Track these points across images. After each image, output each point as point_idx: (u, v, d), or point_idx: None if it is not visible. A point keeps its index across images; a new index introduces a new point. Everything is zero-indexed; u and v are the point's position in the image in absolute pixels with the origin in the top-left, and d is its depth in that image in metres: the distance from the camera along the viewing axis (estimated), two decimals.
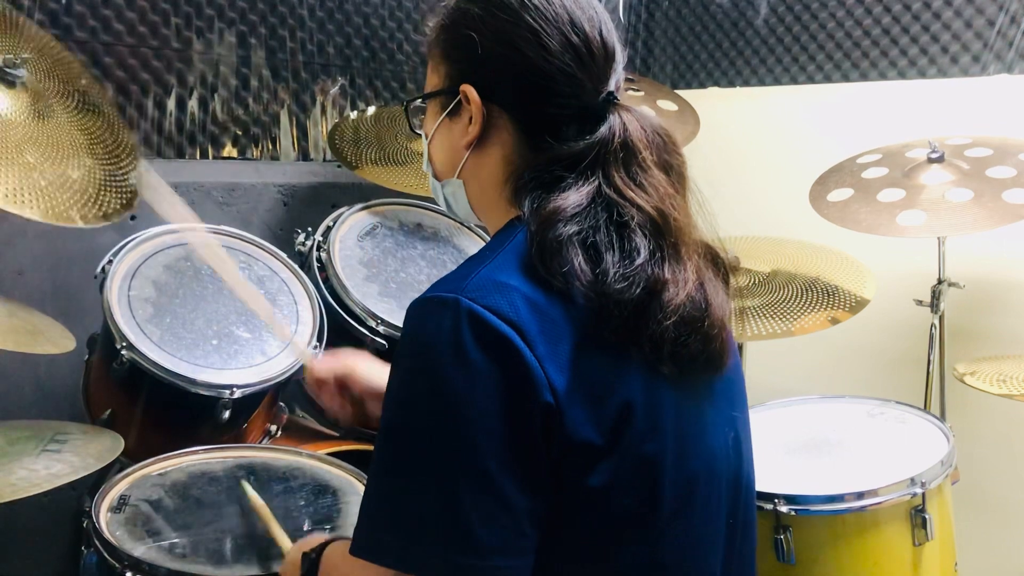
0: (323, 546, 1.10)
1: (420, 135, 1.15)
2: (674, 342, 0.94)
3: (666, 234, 0.96)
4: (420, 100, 1.12)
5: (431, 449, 0.89)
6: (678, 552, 0.99)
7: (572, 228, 0.93)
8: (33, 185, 1.50)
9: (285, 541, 1.31)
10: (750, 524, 1.13)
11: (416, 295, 0.95)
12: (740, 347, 1.67)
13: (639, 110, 1.04)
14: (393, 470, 0.92)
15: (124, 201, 1.65)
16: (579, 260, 0.92)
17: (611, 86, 1.03)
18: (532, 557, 0.91)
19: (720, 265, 1.05)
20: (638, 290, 0.92)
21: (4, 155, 1.49)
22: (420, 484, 0.89)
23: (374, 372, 1.43)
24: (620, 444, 0.91)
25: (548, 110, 1.00)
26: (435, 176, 1.13)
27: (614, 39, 1.04)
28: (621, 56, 1.05)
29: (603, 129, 0.99)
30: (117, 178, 1.68)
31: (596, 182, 0.97)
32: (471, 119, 1.03)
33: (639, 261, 0.93)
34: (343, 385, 1.43)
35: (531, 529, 0.90)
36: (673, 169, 1.02)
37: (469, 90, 1.02)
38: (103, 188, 1.63)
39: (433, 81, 1.09)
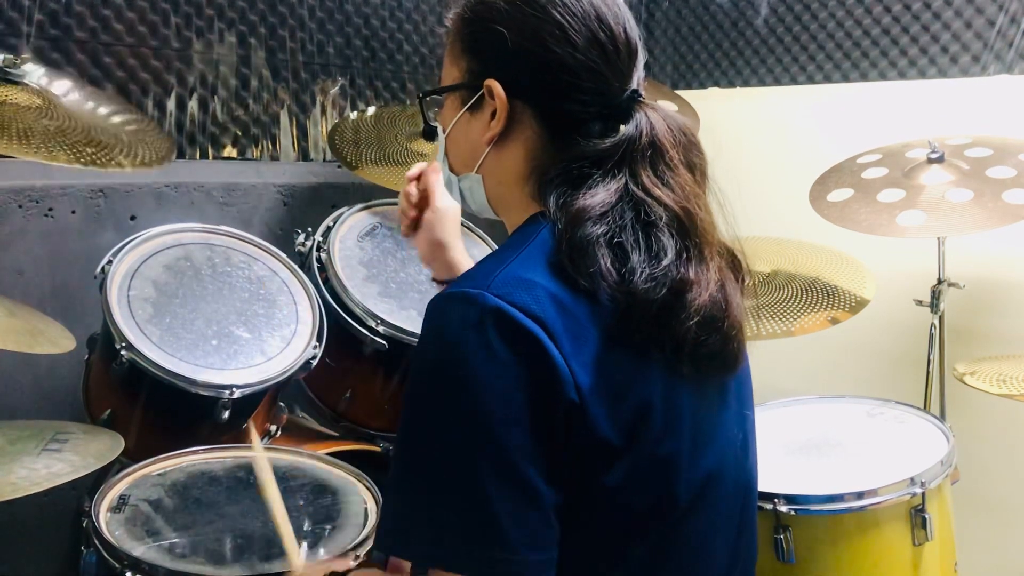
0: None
1: (435, 127, 1.13)
2: (695, 342, 0.94)
3: (691, 234, 0.96)
4: (439, 93, 1.10)
5: (457, 443, 0.88)
6: (689, 552, 0.99)
7: (601, 228, 0.93)
8: (65, 142, 1.51)
9: (291, 545, 1.28)
10: (752, 523, 1.13)
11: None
12: None
13: (663, 108, 1.03)
14: (418, 465, 0.91)
15: (159, 154, 1.68)
16: (607, 261, 0.91)
17: (635, 83, 1.02)
18: (556, 550, 0.91)
19: (737, 265, 1.06)
20: (664, 290, 0.92)
21: (24, 125, 1.50)
22: (447, 478, 0.88)
23: (454, 252, 1.34)
24: (637, 444, 0.92)
25: (573, 106, 0.99)
26: (451, 170, 1.11)
27: (636, 36, 1.03)
28: (643, 54, 1.04)
29: (630, 127, 0.98)
30: (146, 137, 1.71)
31: (623, 180, 0.96)
32: (494, 114, 1.01)
33: (666, 262, 0.92)
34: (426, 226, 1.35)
35: (555, 521, 0.90)
36: (697, 168, 1.02)
37: (494, 85, 1.00)
38: (134, 143, 1.66)
39: (453, 74, 1.07)
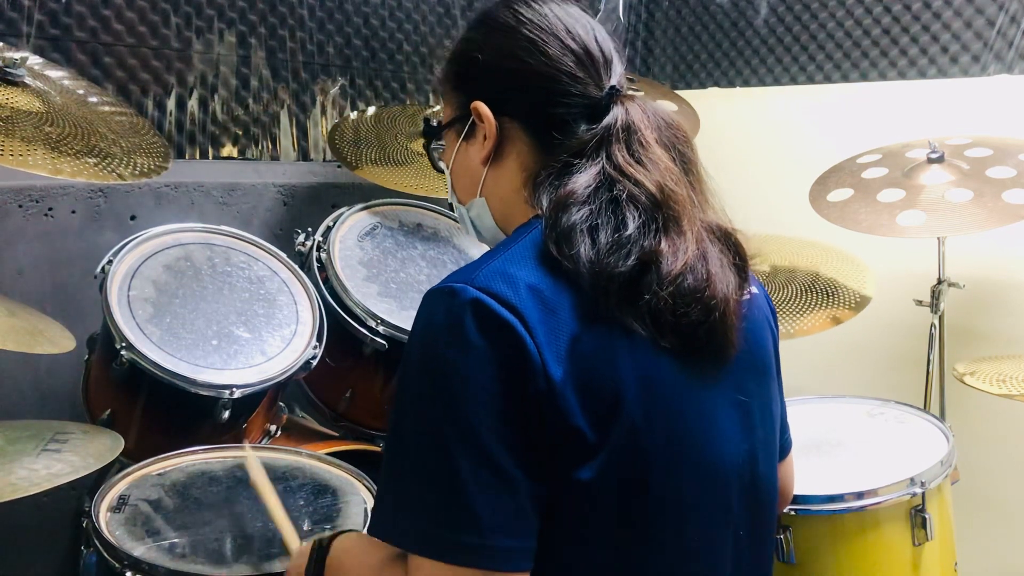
0: (334, 536, 1.11)
1: (442, 170, 1.18)
2: (673, 312, 0.95)
3: (663, 206, 0.98)
4: (437, 133, 1.16)
5: (432, 429, 0.90)
6: (675, 551, 0.99)
7: (583, 212, 0.96)
8: (68, 151, 1.53)
9: (290, 533, 1.29)
10: (765, 529, 1.11)
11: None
12: None
13: (646, 100, 1.06)
14: (400, 451, 0.94)
15: (156, 164, 1.70)
16: (585, 242, 0.95)
17: (614, 81, 1.05)
18: (534, 541, 0.91)
19: (731, 244, 1.05)
20: (631, 260, 0.94)
21: (26, 134, 1.51)
22: (423, 464, 0.91)
23: None
24: (610, 436, 0.92)
25: (556, 111, 1.03)
26: (459, 202, 1.16)
27: (610, 47, 1.08)
28: (619, 62, 1.08)
29: (607, 118, 1.02)
30: (143, 143, 1.73)
31: (600, 162, 1.00)
32: (485, 136, 1.06)
33: (628, 232, 0.95)
34: None
35: (533, 511, 0.91)
36: (676, 148, 1.04)
37: (479, 105, 1.06)
38: (133, 151, 1.67)
39: (446, 114, 1.13)
